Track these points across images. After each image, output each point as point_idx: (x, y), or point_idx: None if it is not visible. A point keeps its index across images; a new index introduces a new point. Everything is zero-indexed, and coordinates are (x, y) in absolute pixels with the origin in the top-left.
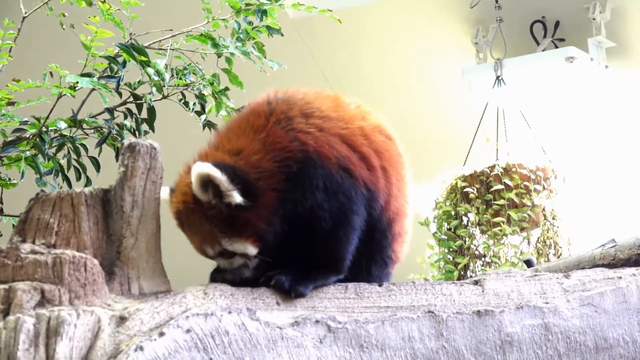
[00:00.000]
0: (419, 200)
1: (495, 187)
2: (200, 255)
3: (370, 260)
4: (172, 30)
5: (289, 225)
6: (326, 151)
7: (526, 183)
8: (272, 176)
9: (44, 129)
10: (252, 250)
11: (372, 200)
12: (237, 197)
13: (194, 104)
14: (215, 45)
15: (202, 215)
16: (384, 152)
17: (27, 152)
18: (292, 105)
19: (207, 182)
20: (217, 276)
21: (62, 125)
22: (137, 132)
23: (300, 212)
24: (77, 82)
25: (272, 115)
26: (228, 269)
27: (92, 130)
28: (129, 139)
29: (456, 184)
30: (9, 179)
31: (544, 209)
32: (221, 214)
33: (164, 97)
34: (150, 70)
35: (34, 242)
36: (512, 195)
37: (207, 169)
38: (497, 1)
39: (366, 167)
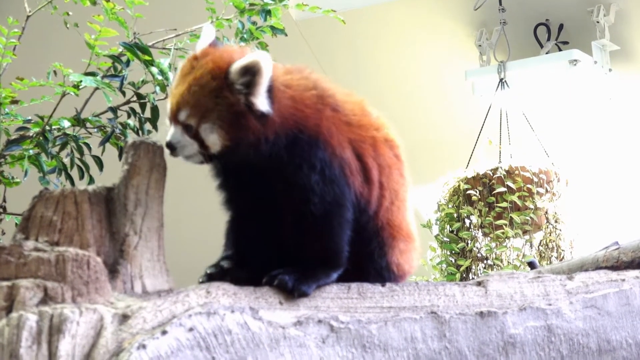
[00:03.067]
0: (421, 202)
1: (497, 190)
2: (203, 254)
3: (364, 271)
4: (176, 29)
5: (281, 209)
6: (335, 143)
7: (529, 186)
8: (286, 121)
9: (47, 127)
10: (217, 148)
11: (361, 211)
12: (263, 104)
13: None
14: None
15: (212, 92)
16: (386, 167)
17: (31, 151)
18: (327, 91)
19: (250, 71)
20: None
21: (66, 124)
22: (140, 131)
23: (291, 190)
24: (81, 81)
25: (315, 87)
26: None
27: (96, 129)
28: (132, 137)
29: (459, 186)
30: (12, 178)
31: (546, 212)
32: (231, 104)
33: (168, 96)
34: (154, 70)
35: (37, 240)
36: (514, 198)
37: (266, 61)
38: (500, 3)
39: (363, 179)
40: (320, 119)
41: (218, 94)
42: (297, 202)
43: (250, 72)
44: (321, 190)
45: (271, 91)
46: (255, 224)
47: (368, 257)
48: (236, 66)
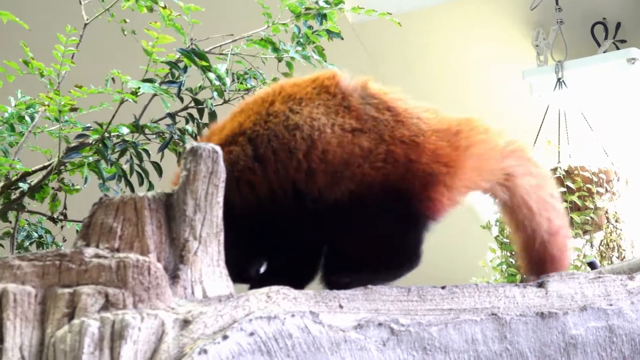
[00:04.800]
0: (480, 203)
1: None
2: None
3: None
4: (232, 35)
5: None
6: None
7: (588, 186)
8: None
9: (106, 134)
10: None
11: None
12: None
13: None
14: (275, 49)
15: None
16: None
17: (90, 158)
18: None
19: None
20: None
21: (125, 130)
22: (198, 137)
23: None
24: (139, 88)
25: None
26: None
27: (154, 136)
28: (190, 143)
29: None
30: (72, 185)
31: (606, 212)
32: None
33: (225, 101)
34: (212, 75)
35: (97, 246)
36: (574, 198)
37: None
38: (557, 3)
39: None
40: None
41: None
42: None
43: None
44: None
45: None
46: None
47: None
48: None
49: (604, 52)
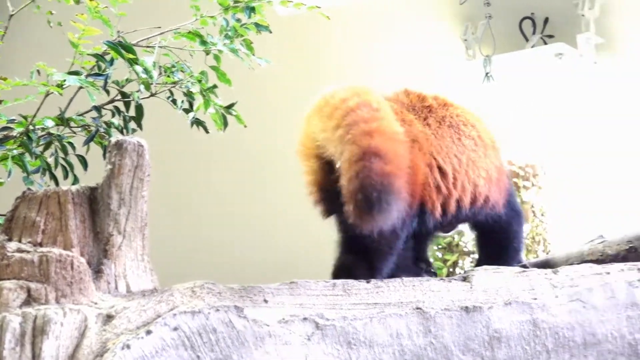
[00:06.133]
0: None
1: None
2: (188, 254)
3: None
4: (160, 27)
5: None
6: None
7: (515, 180)
8: None
9: (31, 127)
10: None
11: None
12: None
13: (182, 101)
14: (203, 42)
15: None
16: None
17: (14, 151)
18: None
19: None
20: None
21: (50, 123)
22: (125, 130)
23: None
24: (65, 80)
25: None
26: None
27: (80, 129)
28: (116, 136)
29: None
30: None
31: (532, 206)
32: None
33: (152, 94)
34: (138, 68)
35: (20, 241)
36: None
37: None
38: None
39: None
40: None
41: None
42: None
43: None
44: None
45: None
46: None
47: None
48: None
49: (532, 47)
